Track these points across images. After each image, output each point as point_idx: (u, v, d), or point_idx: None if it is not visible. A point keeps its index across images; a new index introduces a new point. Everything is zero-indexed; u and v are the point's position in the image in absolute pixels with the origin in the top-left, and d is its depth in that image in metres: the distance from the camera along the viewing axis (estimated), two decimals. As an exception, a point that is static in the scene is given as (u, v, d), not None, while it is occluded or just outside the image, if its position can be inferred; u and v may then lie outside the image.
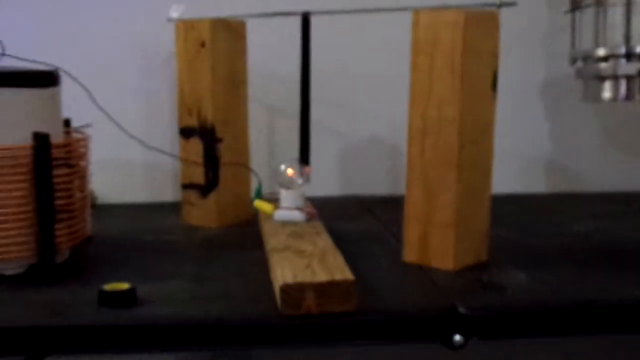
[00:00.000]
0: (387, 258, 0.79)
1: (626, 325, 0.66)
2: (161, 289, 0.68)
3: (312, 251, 0.72)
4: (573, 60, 1.08)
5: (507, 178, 1.18)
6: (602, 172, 1.21)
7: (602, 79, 1.03)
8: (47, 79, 0.73)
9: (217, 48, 0.94)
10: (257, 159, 1.05)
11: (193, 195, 0.97)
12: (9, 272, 0.71)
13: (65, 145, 0.74)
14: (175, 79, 0.97)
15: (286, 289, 0.60)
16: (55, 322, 0.60)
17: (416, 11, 0.74)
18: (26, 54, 0.75)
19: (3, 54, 0.74)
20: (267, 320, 0.61)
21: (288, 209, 0.89)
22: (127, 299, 0.63)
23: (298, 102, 0.96)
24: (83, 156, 0.80)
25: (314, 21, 0.95)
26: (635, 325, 0.66)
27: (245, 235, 0.90)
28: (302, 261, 0.68)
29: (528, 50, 1.17)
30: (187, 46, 0.95)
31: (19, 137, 0.69)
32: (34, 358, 0.72)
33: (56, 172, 0.71)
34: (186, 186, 0.98)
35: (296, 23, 0.95)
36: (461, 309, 0.62)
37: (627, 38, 1.00)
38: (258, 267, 0.74)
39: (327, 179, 1.16)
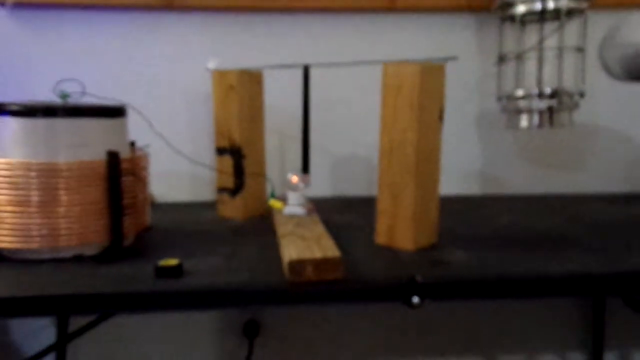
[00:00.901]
0: (365, 241, 0.79)
1: (536, 292, 0.66)
2: (202, 264, 0.67)
3: (310, 236, 0.71)
4: (499, 98, 1.08)
5: (451, 183, 1.18)
6: (520, 179, 1.21)
7: (520, 112, 1.03)
8: (117, 112, 0.73)
9: (242, 90, 0.93)
10: (271, 170, 1.04)
11: (225, 196, 0.97)
12: (88, 253, 0.70)
13: (130, 160, 0.74)
14: (212, 112, 0.96)
15: (292, 263, 0.60)
16: (121, 290, 0.59)
17: (386, 64, 0.74)
18: (103, 93, 0.74)
19: (84, 93, 0.73)
20: (278, 286, 0.61)
21: (293, 205, 0.89)
22: (176, 271, 0.63)
23: (300, 129, 0.96)
24: (144, 168, 0.79)
25: (313, 71, 0.95)
26: (543, 292, 0.66)
27: (263, 225, 0.89)
28: (304, 243, 0.67)
29: (466, 91, 1.17)
30: (220, 89, 0.94)
31: (96, 154, 0.69)
32: (106, 316, 0.72)
33: (124, 179, 0.71)
34: (220, 189, 0.97)
35: (299, 72, 0.95)
36: (418, 278, 0.62)
37: (539, 82, 1.00)
38: (271, 248, 0.74)
39: (322, 184, 1.15)
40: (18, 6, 1.03)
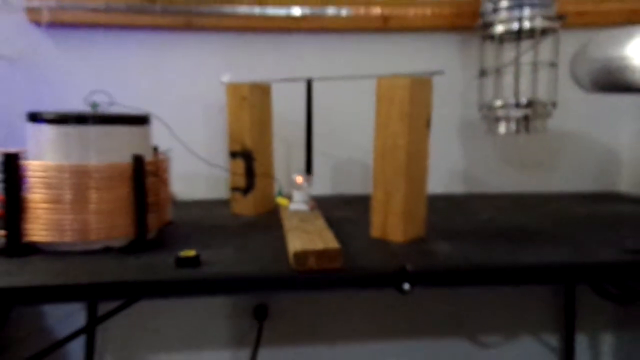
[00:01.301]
0: (361, 234, 0.78)
1: (513, 280, 0.65)
2: (217, 255, 0.67)
3: (313, 230, 0.71)
4: (480, 108, 1.07)
5: (437, 183, 1.17)
6: (500, 179, 1.21)
7: (499, 120, 1.03)
8: (142, 120, 0.73)
9: (253, 101, 0.93)
10: (278, 171, 1.04)
11: (238, 195, 0.96)
12: (115, 245, 0.70)
13: (154, 163, 0.74)
14: (226, 120, 0.96)
15: (297, 253, 0.60)
16: (146, 278, 0.59)
17: (379, 78, 0.73)
18: (129, 103, 0.74)
19: (112, 103, 0.73)
20: (284, 274, 0.61)
21: (298, 203, 0.89)
22: (195, 262, 0.63)
23: (304, 135, 0.95)
24: (166, 170, 0.79)
25: (315, 84, 0.95)
26: (519, 280, 0.65)
27: (271, 220, 0.89)
28: (307, 236, 0.67)
29: (451, 102, 1.16)
30: (234, 100, 0.94)
31: (123, 157, 0.69)
32: (132, 301, 0.72)
33: (148, 180, 0.71)
34: (233, 189, 0.97)
35: (303, 85, 0.94)
36: (408, 267, 0.62)
37: (516, 93, 1.00)
38: (279, 240, 0.73)
39: (323, 184, 1.15)
40: (52, 25, 1.03)
